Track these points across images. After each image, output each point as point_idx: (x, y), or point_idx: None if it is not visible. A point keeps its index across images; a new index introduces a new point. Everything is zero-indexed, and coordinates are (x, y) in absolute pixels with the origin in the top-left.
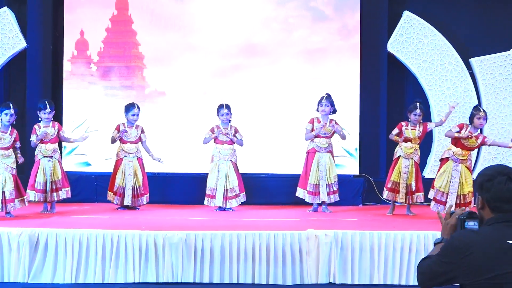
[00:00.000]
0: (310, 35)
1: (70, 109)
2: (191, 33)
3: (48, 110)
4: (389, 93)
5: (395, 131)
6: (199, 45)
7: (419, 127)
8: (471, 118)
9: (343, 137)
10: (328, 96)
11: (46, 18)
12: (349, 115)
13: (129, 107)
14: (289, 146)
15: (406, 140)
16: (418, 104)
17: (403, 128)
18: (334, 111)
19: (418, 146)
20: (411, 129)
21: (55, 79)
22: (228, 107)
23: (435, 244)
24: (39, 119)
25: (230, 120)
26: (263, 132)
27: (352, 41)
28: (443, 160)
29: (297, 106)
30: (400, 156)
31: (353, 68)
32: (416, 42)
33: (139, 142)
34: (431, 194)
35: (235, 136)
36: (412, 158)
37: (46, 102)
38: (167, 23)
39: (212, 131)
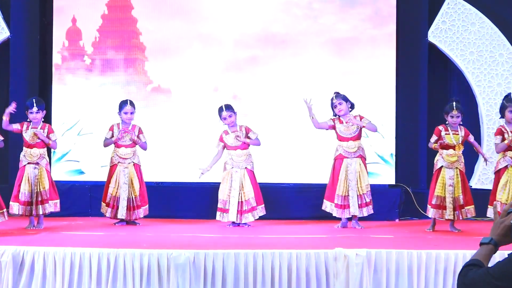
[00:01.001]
0: (337, 23)
1: (60, 108)
2: (200, 21)
3: (35, 109)
4: (430, 90)
5: (433, 138)
6: (209, 34)
7: (461, 130)
8: (502, 111)
9: (373, 128)
10: (337, 95)
11: (33, 3)
12: (383, 116)
13: (122, 105)
14: (314, 151)
15: (447, 147)
16: (454, 103)
17: (442, 133)
18: (352, 106)
19: (461, 153)
20: (453, 133)
21: (43, 73)
22: (229, 107)
23: (481, 244)
24: (28, 120)
25: (235, 121)
26: (284, 135)
27: (387, 29)
28: (500, 171)
29: (322, 105)
30: (442, 166)
31: (388, 61)
32: (462, 31)
33: (136, 146)
34: (491, 212)
35: (248, 137)
36: (456, 167)
37: (34, 100)
38: (173, 9)
39: (222, 140)
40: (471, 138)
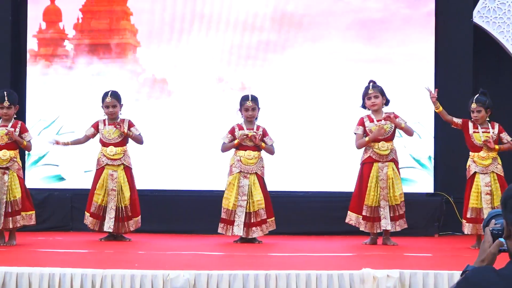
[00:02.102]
0: (365, 2)
1: (36, 102)
2: None
3: (6, 103)
4: (476, 80)
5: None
6: (212, 15)
7: (493, 127)
8: None
9: (409, 131)
10: (374, 84)
11: None
12: (420, 112)
13: (102, 97)
14: (336, 154)
15: (477, 148)
16: (476, 96)
17: (470, 131)
18: (387, 102)
19: (496, 153)
20: (483, 131)
21: (16, 61)
22: (254, 99)
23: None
24: None
25: (257, 118)
26: (300, 134)
27: (424, 9)
28: None
29: (347, 100)
30: (475, 172)
31: (425, 47)
32: None
33: (127, 144)
34: None
35: (263, 141)
36: (492, 171)
37: (5, 93)
38: None
39: (232, 132)
40: (506, 137)
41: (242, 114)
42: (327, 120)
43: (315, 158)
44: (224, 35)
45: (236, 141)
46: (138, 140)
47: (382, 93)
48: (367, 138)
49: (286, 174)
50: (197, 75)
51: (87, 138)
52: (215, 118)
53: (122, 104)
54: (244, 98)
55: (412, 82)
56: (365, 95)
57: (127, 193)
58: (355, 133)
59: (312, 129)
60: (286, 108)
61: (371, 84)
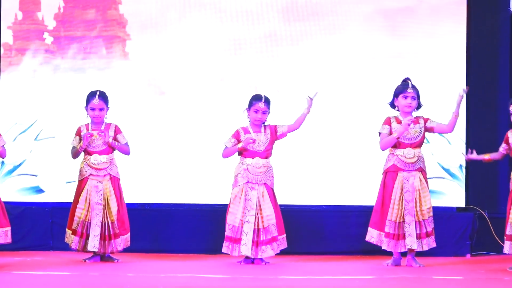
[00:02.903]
0: None
1: (11, 103)
2: None
3: None
4: None
5: (503, 145)
6: (214, 3)
7: None
8: None
9: (450, 127)
10: (413, 85)
11: None
12: (449, 113)
13: (88, 98)
14: (355, 162)
15: None
16: None
17: (511, 139)
18: (419, 107)
19: None
20: None
21: None
22: (268, 101)
23: None
24: None
25: (265, 123)
26: (314, 140)
27: None
28: None
29: (367, 100)
30: None
31: (456, 40)
32: None
33: (114, 151)
34: None
35: (278, 131)
36: None
37: None
38: None
39: (237, 136)
40: None
41: (249, 116)
42: (344, 123)
43: (330, 167)
44: (227, 26)
45: (239, 145)
46: (124, 150)
47: (418, 96)
48: (395, 134)
49: (298, 185)
50: (195, 72)
51: (80, 151)
52: (216, 121)
53: (109, 107)
54: (256, 98)
55: (440, 79)
56: (401, 93)
57: (114, 207)
58: (379, 133)
59: (327, 133)
60: (298, 109)
61: (410, 82)
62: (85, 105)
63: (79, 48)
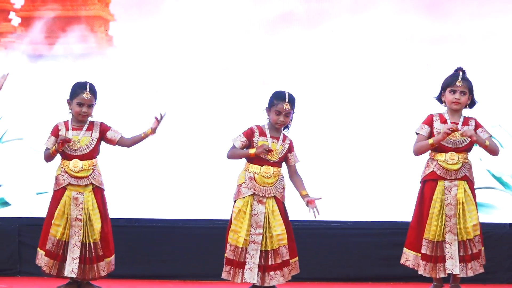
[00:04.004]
0: None
1: None
2: None
3: None
4: None
5: None
6: None
7: None
8: None
9: (494, 150)
10: (465, 76)
11: None
12: (501, 111)
13: (76, 90)
14: (386, 169)
15: None
16: None
17: None
18: (472, 104)
19: None
20: None
21: None
22: (292, 100)
23: None
24: None
25: (288, 126)
26: (335, 142)
27: None
28: None
29: (400, 93)
30: None
31: (508, 21)
32: None
33: (96, 157)
34: None
35: (288, 157)
36: None
37: None
38: None
39: (249, 135)
40: None
41: (269, 117)
42: (372, 123)
43: (355, 174)
44: (231, 5)
45: (252, 151)
46: (124, 144)
47: (471, 90)
48: (430, 140)
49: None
50: (194, 61)
51: (54, 154)
52: (219, 120)
53: (96, 103)
54: (279, 97)
55: (490, 69)
56: (449, 85)
57: (97, 224)
58: (417, 133)
59: (351, 135)
60: (317, 106)
61: (460, 73)
62: (68, 98)
63: (53, 31)
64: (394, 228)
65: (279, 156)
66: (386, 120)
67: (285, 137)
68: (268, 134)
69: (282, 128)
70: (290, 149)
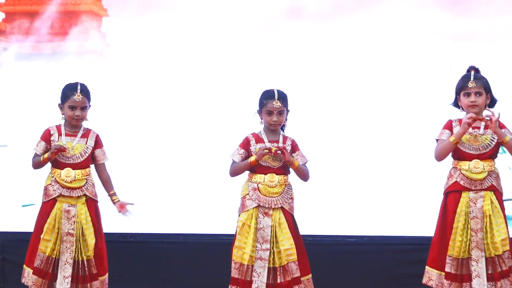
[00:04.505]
0: None
1: None
2: None
3: None
4: None
5: None
6: None
7: None
8: None
9: None
10: (478, 74)
11: None
12: None
13: (66, 93)
14: (406, 179)
15: None
16: None
17: None
18: (493, 102)
19: None
20: None
21: None
22: (283, 97)
23: None
24: None
25: (285, 126)
26: (347, 149)
27: None
28: None
29: (421, 96)
30: None
31: None
32: None
33: (90, 167)
34: None
35: (293, 158)
36: None
37: None
38: None
39: (246, 146)
40: None
41: (262, 119)
42: (390, 129)
43: (372, 185)
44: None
45: (252, 158)
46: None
47: (487, 89)
48: (452, 138)
49: (328, 209)
50: (193, 59)
51: (44, 162)
52: (222, 125)
53: (91, 105)
54: (267, 96)
55: None
56: (462, 89)
57: (90, 240)
58: (437, 140)
59: (367, 140)
60: (329, 111)
61: (472, 73)
62: (59, 102)
63: (39, 27)
64: (415, 244)
65: (283, 160)
66: (406, 126)
67: (285, 138)
68: (265, 139)
69: (280, 129)
70: (294, 149)
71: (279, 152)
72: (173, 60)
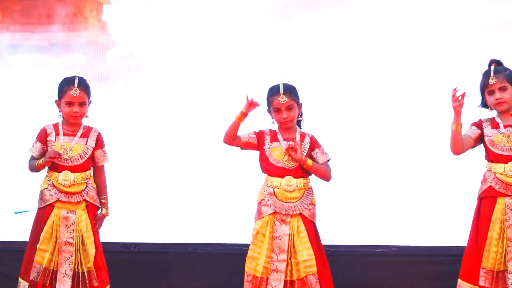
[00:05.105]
0: None
1: None
2: None
3: None
4: None
5: None
6: None
7: None
8: None
9: None
10: (499, 67)
11: None
12: None
13: (62, 87)
14: (437, 183)
15: None
16: None
17: None
18: None
19: None
20: None
21: None
22: (290, 90)
23: None
24: None
25: (301, 122)
26: (374, 151)
27: None
28: None
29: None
30: None
31: None
32: None
33: (90, 169)
34: None
35: (312, 158)
36: None
37: None
38: None
39: (260, 137)
40: None
41: (273, 119)
42: (419, 127)
43: (399, 190)
44: None
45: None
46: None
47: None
48: (453, 126)
49: (351, 217)
50: (200, 51)
51: (40, 168)
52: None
53: (91, 101)
54: (272, 92)
55: None
56: (485, 87)
57: (91, 249)
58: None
59: (395, 142)
60: (347, 109)
61: (492, 68)
62: (56, 98)
63: (32, 15)
64: (447, 255)
65: (297, 158)
66: (436, 125)
67: (303, 134)
68: (280, 138)
69: (296, 125)
70: (313, 146)
71: (293, 148)
72: (177, 50)
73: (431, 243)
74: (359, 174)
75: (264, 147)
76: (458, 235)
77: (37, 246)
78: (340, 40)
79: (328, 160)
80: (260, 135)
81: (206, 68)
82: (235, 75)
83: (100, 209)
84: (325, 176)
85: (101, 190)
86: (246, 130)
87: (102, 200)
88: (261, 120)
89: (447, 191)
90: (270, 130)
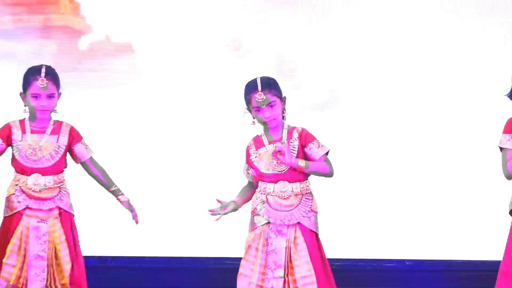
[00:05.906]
0: None
1: None
2: None
3: None
4: None
5: None
6: None
7: None
8: None
9: None
10: None
11: None
12: None
13: (28, 78)
14: (461, 191)
15: None
16: None
17: None
18: None
19: None
20: None
21: None
22: (268, 84)
23: None
24: None
25: (284, 118)
26: (391, 161)
27: None
28: None
29: (486, 99)
30: None
31: None
32: None
33: (63, 171)
34: None
35: (306, 154)
36: None
37: None
38: None
39: (249, 158)
40: None
41: (253, 118)
42: (434, 135)
43: (418, 198)
44: None
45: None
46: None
47: None
48: None
49: (360, 228)
50: (191, 35)
51: None
52: (228, 124)
53: (61, 93)
54: (249, 88)
55: None
56: None
57: (66, 263)
58: (501, 148)
59: (411, 146)
60: (367, 115)
61: None
62: (21, 90)
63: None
64: (473, 270)
65: (286, 160)
66: (459, 133)
67: (290, 131)
68: (265, 141)
69: (283, 121)
70: (305, 141)
71: (280, 152)
72: (166, 36)
73: (449, 257)
74: (370, 177)
75: (251, 158)
76: (479, 248)
77: (3, 260)
78: (340, 40)
79: (326, 153)
80: (247, 157)
81: (194, 54)
82: (235, 69)
83: (118, 200)
84: (327, 172)
85: (105, 179)
86: (239, 162)
87: (114, 188)
88: (241, 120)
89: (466, 200)
90: (254, 138)
